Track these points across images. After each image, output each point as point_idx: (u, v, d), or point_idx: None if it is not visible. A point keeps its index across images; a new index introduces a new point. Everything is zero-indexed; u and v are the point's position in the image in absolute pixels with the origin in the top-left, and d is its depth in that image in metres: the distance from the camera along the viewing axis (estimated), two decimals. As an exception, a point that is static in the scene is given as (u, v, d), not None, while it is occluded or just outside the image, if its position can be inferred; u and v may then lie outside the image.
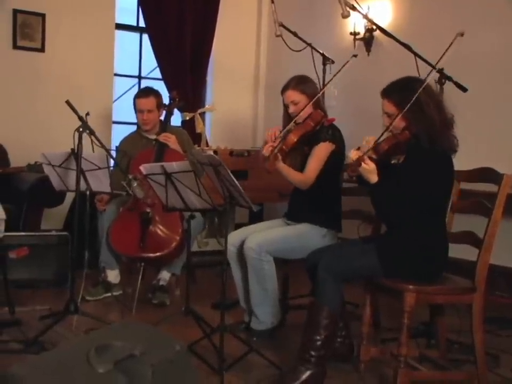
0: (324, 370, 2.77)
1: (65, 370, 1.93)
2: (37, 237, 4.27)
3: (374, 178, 2.71)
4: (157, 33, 5.81)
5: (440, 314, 3.05)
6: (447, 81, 3.39)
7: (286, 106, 3.48)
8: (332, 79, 3.26)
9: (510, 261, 4.32)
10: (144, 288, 4.09)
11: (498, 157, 4.26)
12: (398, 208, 2.74)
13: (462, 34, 2.94)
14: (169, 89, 5.61)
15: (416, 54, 3.44)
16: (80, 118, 3.37)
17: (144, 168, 3.20)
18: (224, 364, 2.83)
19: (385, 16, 5.22)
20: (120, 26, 5.88)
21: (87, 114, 3.38)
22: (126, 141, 4.45)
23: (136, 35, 6.14)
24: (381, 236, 3.19)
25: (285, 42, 4.16)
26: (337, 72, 3.17)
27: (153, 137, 4.24)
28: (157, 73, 5.98)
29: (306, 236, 3.35)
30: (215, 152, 4.77)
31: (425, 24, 4.92)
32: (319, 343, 2.73)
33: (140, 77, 6.18)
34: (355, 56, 3.14)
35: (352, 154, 2.72)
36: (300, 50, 4.20)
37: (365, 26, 5.27)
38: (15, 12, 5.18)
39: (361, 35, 5.32)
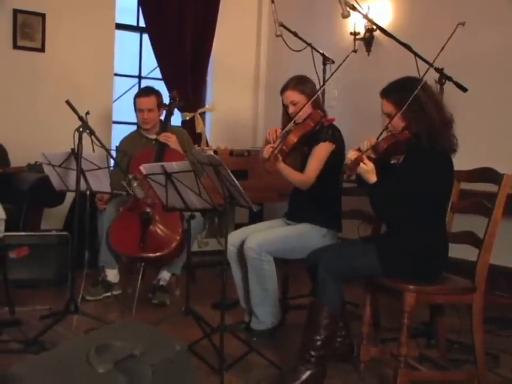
0: (324, 370, 2.77)
1: (65, 370, 1.93)
2: (37, 236, 4.27)
3: (372, 178, 2.71)
4: (157, 33, 5.81)
5: (440, 314, 3.05)
6: (447, 81, 3.39)
7: (285, 107, 3.48)
8: (331, 75, 3.26)
9: (510, 261, 4.31)
10: (144, 288, 4.09)
11: (498, 157, 4.26)
12: (397, 208, 2.73)
13: (463, 24, 2.93)
14: (170, 89, 5.60)
15: (416, 54, 3.44)
16: (80, 118, 3.37)
17: (144, 168, 3.20)
18: (224, 364, 2.83)
19: (385, 16, 5.22)
20: (120, 26, 5.88)
21: (87, 113, 3.37)
22: (126, 140, 4.45)
23: (136, 35, 6.14)
24: (381, 236, 3.19)
25: (285, 42, 4.16)
26: (338, 68, 3.16)
27: (153, 137, 4.24)
28: (157, 73, 5.98)
29: (307, 236, 3.34)
30: (215, 152, 4.77)
31: (425, 24, 4.92)
32: (319, 343, 2.73)
33: (140, 77, 6.18)
34: (355, 51, 3.14)
35: (350, 155, 2.72)
36: (300, 50, 4.19)
37: (365, 26, 5.27)
38: (15, 11, 5.18)
39: (361, 35, 5.32)
